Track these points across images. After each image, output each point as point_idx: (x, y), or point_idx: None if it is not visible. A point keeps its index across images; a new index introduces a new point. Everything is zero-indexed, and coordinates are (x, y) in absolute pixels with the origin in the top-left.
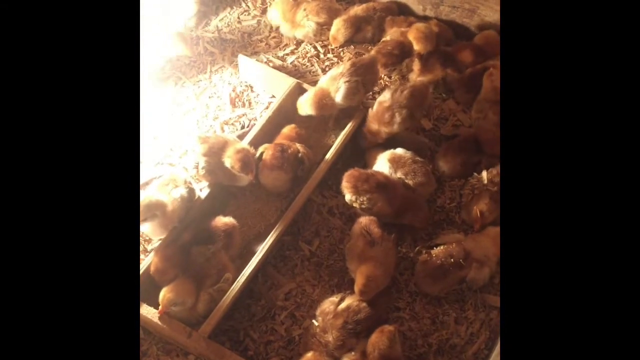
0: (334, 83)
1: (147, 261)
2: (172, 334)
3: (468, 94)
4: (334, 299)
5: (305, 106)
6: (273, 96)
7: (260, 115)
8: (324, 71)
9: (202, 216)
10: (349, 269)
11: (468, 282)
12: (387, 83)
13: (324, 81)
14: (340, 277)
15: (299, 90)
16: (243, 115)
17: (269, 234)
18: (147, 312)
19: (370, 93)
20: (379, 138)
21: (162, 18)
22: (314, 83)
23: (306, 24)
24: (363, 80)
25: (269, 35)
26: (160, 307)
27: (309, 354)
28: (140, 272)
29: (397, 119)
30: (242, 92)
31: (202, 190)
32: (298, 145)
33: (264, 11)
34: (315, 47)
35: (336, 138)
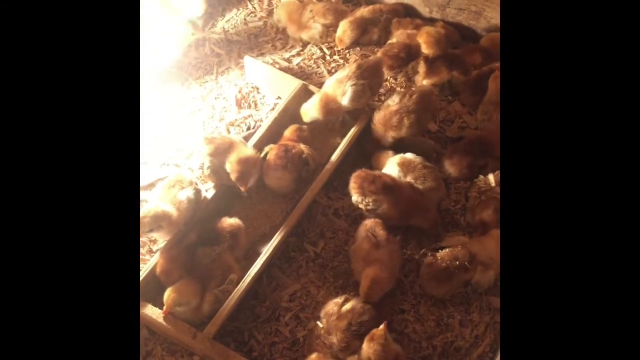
0: (340, 86)
1: (152, 262)
2: (177, 335)
3: (474, 96)
4: (338, 300)
5: (312, 111)
6: (279, 97)
7: (266, 117)
8: (330, 73)
9: (207, 217)
10: (354, 271)
11: (473, 284)
12: (393, 85)
13: (329, 85)
14: (345, 279)
15: (304, 92)
16: (249, 116)
17: (274, 235)
18: (152, 312)
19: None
20: (384, 142)
21: (168, 19)
22: (320, 85)
23: (312, 25)
24: (370, 83)
25: (275, 36)
26: (164, 308)
27: (313, 356)
28: (146, 272)
29: (405, 123)
30: (248, 94)
31: (208, 191)
32: (302, 146)
33: (270, 13)
34: (321, 49)
35: (342, 140)
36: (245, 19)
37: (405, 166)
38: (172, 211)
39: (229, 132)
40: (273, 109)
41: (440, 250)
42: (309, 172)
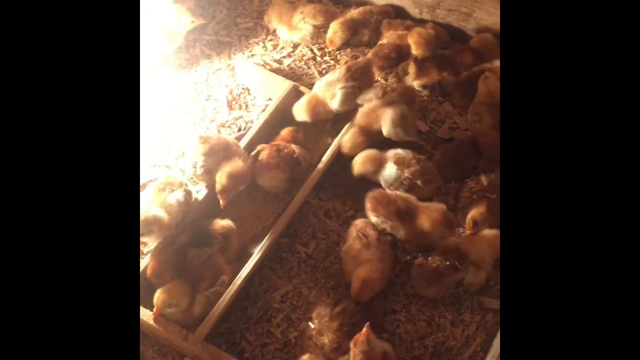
0: (330, 89)
1: (143, 264)
2: (168, 336)
3: (464, 97)
4: (330, 301)
5: (301, 113)
6: (270, 99)
7: (257, 118)
8: (320, 74)
9: (199, 218)
10: (345, 272)
11: (464, 285)
12: (384, 86)
13: (319, 87)
14: (336, 280)
15: (295, 93)
16: (240, 117)
17: (265, 236)
18: (143, 314)
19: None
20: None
21: (157, 19)
22: (310, 86)
23: (303, 26)
24: (360, 85)
25: (266, 38)
26: (155, 309)
27: (305, 357)
28: None
29: (388, 117)
30: (239, 95)
31: (199, 192)
32: (294, 147)
33: (260, 14)
34: (312, 50)
35: (333, 140)
36: (235, 20)
37: (400, 163)
38: (163, 215)
39: (220, 133)
40: (264, 110)
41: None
42: (301, 172)
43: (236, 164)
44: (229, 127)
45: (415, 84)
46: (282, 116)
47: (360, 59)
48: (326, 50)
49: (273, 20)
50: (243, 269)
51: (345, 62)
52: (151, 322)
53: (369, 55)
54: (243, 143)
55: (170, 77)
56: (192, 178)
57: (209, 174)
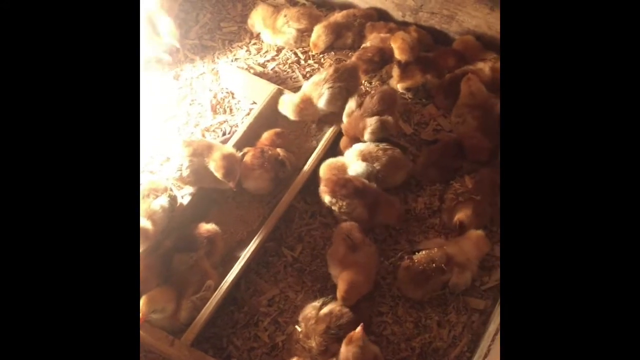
0: (317, 89)
1: None
2: (155, 342)
3: (447, 99)
4: (316, 304)
5: (286, 109)
6: (254, 102)
7: (241, 122)
8: (305, 77)
9: (184, 223)
10: (332, 275)
11: (450, 286)
12: (367, 89)
13: (307, 86)
14: (323, 283)
15: (279, 97)
16: (224, 121)
17: (251, 240)
18: None
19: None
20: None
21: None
22: (295, 89)
23: (287, 30)
24: (346, 86)
25: (250, 41)
26: (140, 315)
27: None
28: None
29: (369, 128)
30: (223, 99)
31: (184, 197)
32: (278, 149)
33: (244, 18)
34: (295, 54)
35: (318, 144)
36: (219, 25)
37: (366, 157)
38: (148, 225)
39: (204, 137)
40: (248, 114)
41: (416, 253)
42: (286, 174)
43: (222, 149)
44: (213, 131)
45: (399, 87)
46: (266, 120)
47: (348, 62)
48: (310, 53)
49: (257, 24)
50: (229, 274)
51: (330, 65)
52: None
53: (353, 58)
54: (228, 147)
55: (153, 82)
56: (176, 183)
57: (195, 174)
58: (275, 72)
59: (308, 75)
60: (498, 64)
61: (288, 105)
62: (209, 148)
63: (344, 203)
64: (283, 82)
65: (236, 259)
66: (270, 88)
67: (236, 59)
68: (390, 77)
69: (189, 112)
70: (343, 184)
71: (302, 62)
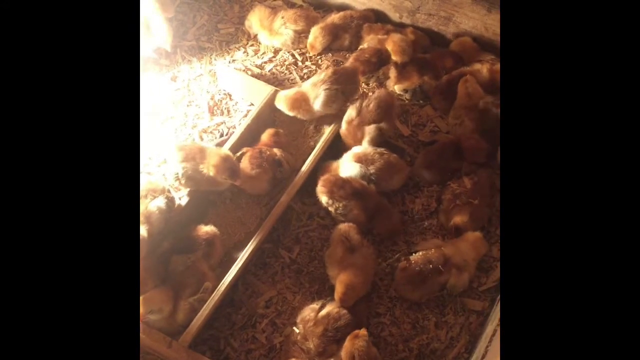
0: (314, 89)
1: None
2: (152, 344)
3: (445, 100)
4: (314, 306)
5: (281, 103)
6: (251, 104)
7: (239, 123)
8: (302, 79)
9: (182, 225)
10: (329, 276)
11: (448, 288)
12: (365, 90)
13: (304, 86)
14: (320, 284)
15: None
16: (222, 123)
17: (249, 241)
18: None
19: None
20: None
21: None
22: None
23: (284, 32)
24: (343, 89)
25: (247, 43)
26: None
27: None
28: None
29: (367, 137)
30: (221, 100)
31: (182, 198)
32: (275, 150)
33: (241, 19)
34: (293, 55)
35: (315, 145)
36: (216, 26)
37: (362, 160)
38: (143, 233)
39: (202, 139)
40: (246, 115)
41: (414, 254)
42: (283, 174)
43: (219, 151)
44: (211, 132)
45: (396, 88)
46: (264, 121)
47: (347, 65)
48: (307, 55)
49: (254, 25)
50: (227, 275)
51: (327, 67)
52: None
53: (350, 59)
54: (225, 148)
55: (151, 83)
56: (174, 186)
57: (191, 179)
58: (273, 73)
59: (305, 76)
60: (495, 66)
61: (283, 99)
62: (201, 152)
63: (340, 205)
64: (280, 83)
65: (234, 260)
66: (268, 89)
67: (233, 61)
68: (388, 78)
69: (187, 114)
70: (341, 185)
71: (300, 63)
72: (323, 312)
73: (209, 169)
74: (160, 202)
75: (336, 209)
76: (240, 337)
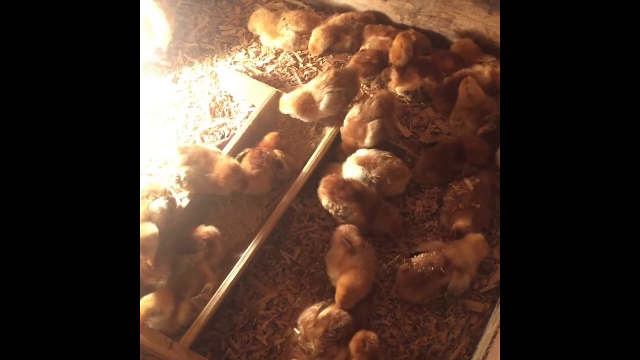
0: (318, 92)
1: None
2: (153, 345)
3: (446, 102)
4: (315, 307)
5: (287, 106)
6: (253, 105)
7: (240, 125)
8: (303, 80)
9: (183, 226)
10: (330, 278)
11: (449, 290)
12: (366, 92)
13: (308, 87)
14: (321, 285)
15: (278, 100)
16: (223, 124)
17: (249, 243)
18: None
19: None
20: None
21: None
22: None
23: (285, 33)
24: (345, 91)
25: (249, 44)
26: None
27: None
28: None
29: (369, 132)
30: (222, 102)
31: (183, 200)
32: (276, 151)
33: (242, 21)
34: (294, 57)
35: (317, 146)
36: (218, 28)
37: (365, 163)
38: (154, 228)
39: (203, 140)
40: (247, 117)
41: (415, 256)
42: (284, 175)
43: (224, 160)
44: (212, 134)
45: (397, 90)
46: (265, 123)
47: (348, 66)
48: (308, 56)
49: (255, 27)
50: (228, 276)
51: (329, 68)
52: None
53: (351, 61)
54: (227, 150)
55: (152, 85)
56: (175, 187)
57: (193, 183)
58: (274, 75)
59: (306, 78)
60: (496, 67)
61: (289, 102)
62: (206, 155)
63: (341, 207)
64: (282, 85)
65: (235, 261)
66: (269, 91)
67: (235, 62)
68: (389, 79)
69: (188, 115)
70: (342, 186)
71: (301, 65)
72: (323, 312)
73: (218, 180)
74: (162, 202)
75: (336, 211)
76: (241, 338)
